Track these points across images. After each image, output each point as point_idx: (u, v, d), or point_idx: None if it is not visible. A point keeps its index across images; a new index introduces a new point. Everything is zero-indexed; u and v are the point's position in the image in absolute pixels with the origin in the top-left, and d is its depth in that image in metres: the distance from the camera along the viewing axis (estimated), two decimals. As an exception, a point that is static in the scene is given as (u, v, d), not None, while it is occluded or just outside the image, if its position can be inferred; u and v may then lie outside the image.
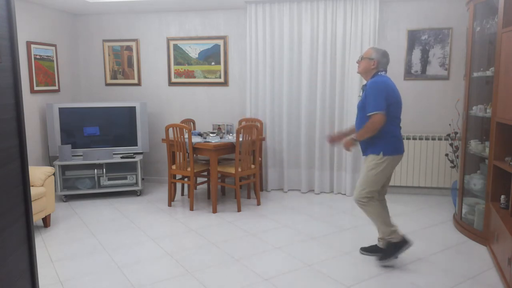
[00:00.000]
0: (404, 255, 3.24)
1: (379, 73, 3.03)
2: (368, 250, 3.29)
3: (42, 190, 3.77)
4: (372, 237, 3.65)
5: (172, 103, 5.56)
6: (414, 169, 4.89)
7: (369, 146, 3.01)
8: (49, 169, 3.96)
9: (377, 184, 3.01)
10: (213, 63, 5.34)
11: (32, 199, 3.10)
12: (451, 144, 4.66)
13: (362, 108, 3.00)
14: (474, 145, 3.73)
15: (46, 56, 4.96)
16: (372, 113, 2.87)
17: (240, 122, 5.11)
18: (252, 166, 4.55)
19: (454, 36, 4.70)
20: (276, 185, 5.24)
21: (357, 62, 3.17)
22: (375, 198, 3.05)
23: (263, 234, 3.72)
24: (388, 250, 3.07)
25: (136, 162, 4.95)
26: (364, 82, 3.26)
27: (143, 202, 4.79)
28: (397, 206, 4.56)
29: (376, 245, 3.25)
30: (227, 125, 5.20)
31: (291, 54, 4.94)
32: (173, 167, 4.55)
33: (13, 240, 1.63)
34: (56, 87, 5.17)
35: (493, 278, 2.88)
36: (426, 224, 3.97)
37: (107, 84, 5.69)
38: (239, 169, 4.33)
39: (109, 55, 5.61)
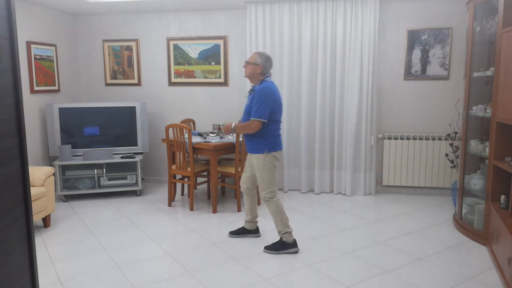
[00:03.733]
0: (404, 255, 3.24)
1: (266, 79, 3.27)
2: (237, 233, 3.68)
3: (42, 190, 3.77)
4: (371, 236, 3.66)
5: (172, 103, 5.56)
6: (414, 169, 4.89)
7: (254, 146, 3.31)
8: (49, 169, 3.96)
9: (273, 178, 3.32)
10: (213, 63, 5.34)
11: (32, 199, 3.10)
12: (451, 144, 4.67)
13: (248, 112, 3.28)
14: (474, 145, 3.73)
15: (46, 56, 4.96)
16: (255, 119, 3.18)
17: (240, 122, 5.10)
18: (252, 166, 4.55)
19: (454, 36, 4.70)
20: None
21: (244, 67, 3.38)
22: (276, 193, 3.34)
23: (263, 234, 3.72)
24: (278, 244, 3.35)
25: (136, 162, 4.95)
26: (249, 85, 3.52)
27: (143, 202, 4.79)
28: (397, 206, 4.56)
29: (243, 227, 3.67)
30: (227, 125, 5.20)
31: (291, 54, 4.94)
32: (173, 167, 4.55)
33: (13, 240, 1.63)
34: (56, 87, 5.17)
35: (493, 278, 2.88)
36: (426, 224, 3.97)
37: (107, 84, 5.69)
38: (239, 169, 4.33)
39: (109, 55, 5.61)
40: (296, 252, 3.32)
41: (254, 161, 3.34)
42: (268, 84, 3.24)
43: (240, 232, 3.69)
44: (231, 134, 3.49)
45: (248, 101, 3.33)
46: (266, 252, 3.33)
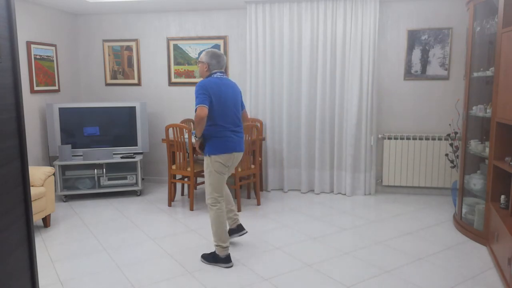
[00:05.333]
0: (404, 255, 3.24)
1: (212, 75, 3.14)
2: (236, 231, 3.45)
3: (42, 190, 3.77)
4: (371, 236, 3.66)
5: (172, 103, 5.56)
6: (414, 169, 4.89)
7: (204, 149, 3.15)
8: (49, 169, 3.96)
9: (216, 184, 3.11)
10: (213, 63, 5.33)
11: (32, 199, 3.10)
12: (451, 144, 4.66)
13: None
14: (474, 145, 3.73)
15: (46, 56, 4.96)
16: (195, 107, 2.97)
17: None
18: (252, 166, 4.56)
19: (454, 36, 4.70)
20: (276, 185, 5.24)
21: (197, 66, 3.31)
22: (218, 201, 3.13)
23: (263, 234, 3.72)
24: (211, 256, 3.16)
25: (136, 162, 4.95)
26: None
27: (143, 202, 4.79)
28: (397, 206, 4.56)
29: (240, 224, 3.45)
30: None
31: (291, 54, 4.94)
32: (173, 167, 4.55)
33: (13, 240, 1.63)
34: (56, 87, 5.17)
35: (493, 278, 2.88)
36: (426, 224, 3.97)
37: (107, 84, 5.69)
38: (239, 169, 4.33)
39: (109, 55, 5.61)
40: (229, 267, 3.08)
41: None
42: (208, 79, 3.11)
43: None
44: (195, 138, 3.30)
45: None
46: (201, 261, 3.18)
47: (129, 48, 5.55)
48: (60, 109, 4.87)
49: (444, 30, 4.70)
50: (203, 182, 4.91)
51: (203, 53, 3.20)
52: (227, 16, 5.23)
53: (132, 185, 5.01)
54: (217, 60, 3.16)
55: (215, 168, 3.08)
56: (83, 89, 5.75)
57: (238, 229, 3.45)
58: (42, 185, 3.83)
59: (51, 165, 5.07)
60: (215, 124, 3.06)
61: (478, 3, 3.57)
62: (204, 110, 2.96)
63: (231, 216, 3.44)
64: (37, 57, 4.79)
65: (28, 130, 4.66)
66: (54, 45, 5.11)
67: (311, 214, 4.29)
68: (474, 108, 3.71)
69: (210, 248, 3.40)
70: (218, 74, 3.15)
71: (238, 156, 3.19)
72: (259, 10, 4.93)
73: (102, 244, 3.54)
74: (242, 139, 3.22)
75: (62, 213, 4.39)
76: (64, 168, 4.78)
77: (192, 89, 5.45)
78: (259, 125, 4.74)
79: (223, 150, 3.07)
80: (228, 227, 3.37)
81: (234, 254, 3.30)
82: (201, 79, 3.18)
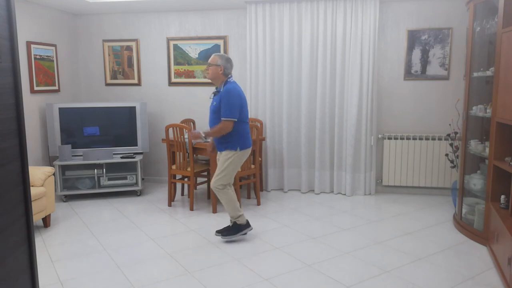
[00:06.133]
0: (404, 255, 3.24)
1: (229, 80, 3.44)
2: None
3: (42, 190, 3.77)
4: (372, 236, 3.66)
5: (172, 103, 5.56)
6: (414, 169, 4.89)
7: (225, 143, 3.45)
8: (49, 169, 3.96)
9: (233, 173, 3.50)
10: (213, 63, 5.33)
11: (32, 199, 3.10)
12: (451, 144, 4.67)
13: (216, 111, 3.42)
14: (474, 145, 3.73)
15: (46, 56, 4.96)
16: (226, 119, 3.33)
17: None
18: (252, 166, 4.56)
19: (454, 36, 4.70)
20: (276, 185, 5.24)
21: (205, 69, 3.46)
22: (229, 186, 3.52)
23: (263, 234, 3.72)
24: (233, 229, 3.56)
25: (136, 162, 4.95)
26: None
27: (143, 202, 4.79)
28: (397, 206, 4.56)
29: (229, 226, 3.63)
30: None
31: (291, 54, 4.94)
32: (173, 167, 4.55)
33: (13, 240, 1.63)
34: (56, 87, 5.17)
35: (493, 278, 2.88)
36: (426, 224, 3.97)
37: (107, 84, 5.69)
38: (239, 169, 4.33)
39: (109, 55, 5.61)
40: (251, 229, 3.60)
41: (222, 156, 3.48)
42: (232, 85, 3.40)
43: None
44: (202, 140, 3.59)
45: (214, 102, 3.45)
46: (224, 240, 3.53)
47: (129, 48, 5.55)
48: (60, 109, 4.87)
49: (444, 30, 4.70)
50: (203, 182, 4.92)
51: (216, 56, 3.43)
52: (227, 16, 5.23)
53: (132, 185, 5.01)
54: (230, 64, 3.47)
55: (237, 160, 3.47)
56: (83, 89, 5.75)
57: (247, 225, 3.67)
58: (42, 185, 3.83)
59: (51, 165, 5.07)
60: (243, 122, 3.45)
61: (478, 3, 3.57)
62: (233, 124, 3.36)
63: (242, 215, 3.65)
64: (37, 57, 4.79)
65: (28, 130, 4.66)
66: (54, 45, 5.11)
67: (311, 214, 4.29)
68: (474, 108, 3.71)
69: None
70: (231, 78, 3.47)
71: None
72: (259, 10, 4.93)
73: (102, 244, 3.54)
74: None
75: (62, 213, 4.39)
76: (64, 168, 4.78)
77: (192, 89, 5.46)
78: (259, 125, 4.74)
79: (247, 145, 3.50)
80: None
81: (234, 254, 3.30)
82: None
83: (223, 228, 3.63)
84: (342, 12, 4.74)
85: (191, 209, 4.43)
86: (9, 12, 1.61)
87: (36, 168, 3.90)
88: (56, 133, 4.88)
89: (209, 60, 3.45)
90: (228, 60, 3.44)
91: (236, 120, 3.36)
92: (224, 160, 3.46)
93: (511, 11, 3.16)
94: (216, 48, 5.28)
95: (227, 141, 3.44)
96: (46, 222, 3.92)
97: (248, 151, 3.53)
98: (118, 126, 5.11)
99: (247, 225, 3.59)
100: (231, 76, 3.48)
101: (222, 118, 3.35)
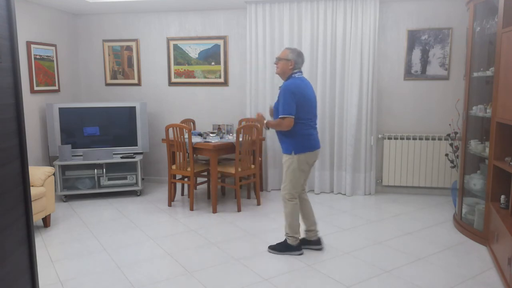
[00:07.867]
0: (404, 255, 3.24)
1: (294, 75, 3.16)
2: (306, 243, 3.37)
3: (42, 190, 3.77)
4: (372, 236, 3.65)
5: (172, 103, 5.56)
6: (414, 169, 4.89)
7: (282, 145, 3.22)
8: (49, 169, 3.96)
9: (296, 181, 3.17)
10: (213, 63, 5.34)
11: (32, 199, 3.10)
12: (451, 144, 4.66)
13: (277, 107, 3.17)
14: (474, 145, 3.73)
15: (46, 56, 4.96)
16: (283, 116, 3.06)
17: (240, 122, 5.10)
18: (252, 166, 4.55)
19: (454, 36, 4.70)
20: (276, 185, 5.23)
21: (275, 63, 3.26)
22: (295, 197, 3.22)
23: (263, 234, 3.72)
24: (282, 245, 3.30)
25: (136, 162, 4.95)
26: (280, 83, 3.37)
27: (143, 202, 4.79)
28: (397, 206, 4.56)
29: (319, 239, 3.38)
30: (227, 125, 5.21)
31: (291, 54, 4.94)
32: (173, 167, 4.55)
33: (13, 240, 1.63)
34: (56, 87, 5.17)
35: (493, 278, 2.88)
36: (426, 224, 3.97)
37: (107, 84, 5.69)
38: (239, 169, 4.33)
39: (109, 55, 5.61)
40: (301, 254, 3.27)
41: (283, 160, 3.22)
42: (293, 80, 3.12)
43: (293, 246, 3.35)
44: (265, 128, 3.37)
45: (277, 98, 3.21)
46: (270, 252, 3.31)
47: (129, 48, 5.55)
48: (60, 109, 4.87)
49: (444, 30, 4.70)
50: (203, 182, 4.92)
51: (287, 50, 3.18)
52: (227, 16, 5.23)
53: (132, 185, 5.01)
54: (302, 59, 3.20)
55: (299, 166, 3.14)
56: (83, 89, 5.75)
57: (315, 242, 3.38)
58: (42, 185, 3.83)
59: (51, 165, 5.07)
60: (301, 123, 3.11)
61: (478, 3, 3.57)
62: (292, 121, 3.06)
63: (310, 229, 3.39)
64: (37, 57, 4.79)
65: (28, 130, 4.66)
66: (54, 45, 5.11)
67: (311, 214, 4.29)
68: (474, 108, 3.71)
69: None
70: (299, 73, 3.18)
71: (319, 152, 3.28)
72: (259, 10, 4.93)
73: (102, 244, 3.54)
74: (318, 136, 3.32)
75: (62, 213, 4.39)
76: (64, 168, 4.78)
77: (192, 89, 5.46)
78: (259, 125, 4.73)
79: (308, 148, 3.15)
80: (306, 237, 3.40)
81: (234, 254, 3.30)
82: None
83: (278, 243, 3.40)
84: (342, 12, 4.74)
85: (191, 209, 4.43)
86: (9, 12, 1.61)
87: (36, 168, 3.90)
88: (56, 133, 4.88)
89: (280, 54, 3.20)
90: (300, 55, 3.17)
91: (293, 117, 3.05)
92: (283, 165, 3.22)
93: (511, 11, 3.16)
94: (216, 48, 5.28)
95: (282, 142, 3.21)
96: (46, 222, 3.92)
97: (309, 155, 3.15)
98: (118, 126, 5.11)
99: (297, 248, 3.27)
100: (298, 72, 3.17)
101: (280, 115, 3.09)
